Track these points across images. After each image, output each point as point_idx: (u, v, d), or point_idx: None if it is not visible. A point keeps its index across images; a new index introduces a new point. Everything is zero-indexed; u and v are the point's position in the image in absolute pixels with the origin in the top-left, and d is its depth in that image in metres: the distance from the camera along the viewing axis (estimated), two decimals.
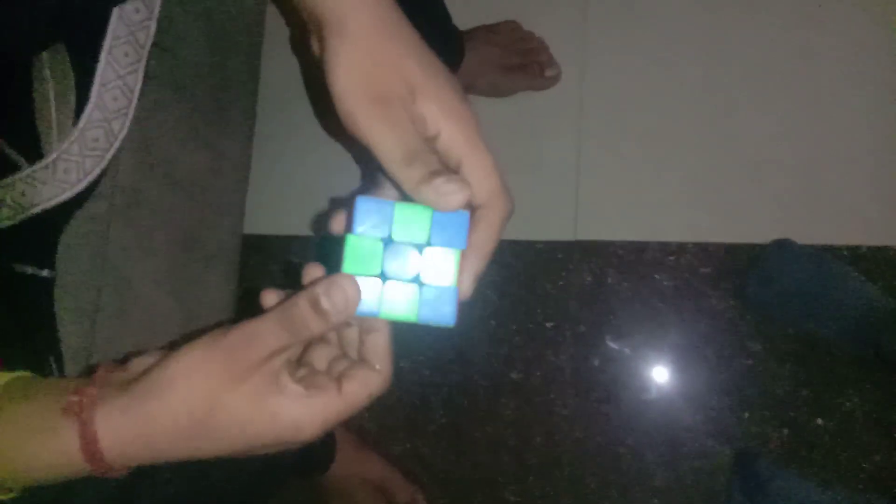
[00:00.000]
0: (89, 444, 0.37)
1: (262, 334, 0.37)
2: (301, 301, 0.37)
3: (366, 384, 0.40)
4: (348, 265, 0.38)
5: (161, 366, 0.38)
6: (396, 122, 0.38)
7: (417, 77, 0.39)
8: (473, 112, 0.40)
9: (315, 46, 0.42)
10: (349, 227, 0.38)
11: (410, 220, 0.38)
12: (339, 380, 0.40)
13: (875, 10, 1.01)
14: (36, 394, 0.40)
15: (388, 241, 0.38)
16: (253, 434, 0.38)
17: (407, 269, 0.38)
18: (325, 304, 0.37)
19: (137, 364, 0.40)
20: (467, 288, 0.40)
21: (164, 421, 0.37)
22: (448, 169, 0.39)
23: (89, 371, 0.41)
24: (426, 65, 0.40)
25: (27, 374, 0.43)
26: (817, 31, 1.02)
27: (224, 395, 0.37)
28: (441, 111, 0.39)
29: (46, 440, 0.38)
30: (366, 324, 0.42)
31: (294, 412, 0.38)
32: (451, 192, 0.37)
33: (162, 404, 0.37)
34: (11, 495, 0.41)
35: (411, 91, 0.39)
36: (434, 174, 0.37)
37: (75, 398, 0.38)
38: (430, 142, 0.39)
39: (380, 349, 0.42)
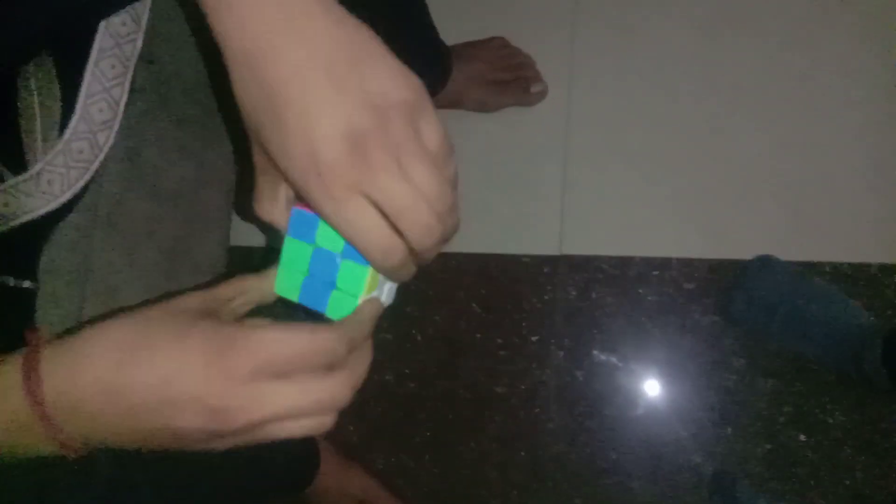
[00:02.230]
0: (33, 389, 0.36)
1: (210, 289, 0.40)
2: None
3: (314, 328, 0.37)
4: (283, 261, 0.42)
5: (103, 329, 0.38)
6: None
7: None
8: None
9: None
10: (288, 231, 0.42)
11: (331, 233, 0.40)
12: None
13: (863, 30, 1.02)
14: None
15: (317, 249, 0.41)
16: (163, 356, 0.36)
17: (328, 273, 0.41)
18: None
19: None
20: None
21: (89, 364, 0.37)
22: None
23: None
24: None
25: None
26: (804, 51, 1.04)
27: (147, 334, 0.37)
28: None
29: None
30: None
31: (213, 328, 0.37)
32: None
33: (97, 334, 0.38)
34: None
35: None
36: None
37: (24, 349, 0.38)
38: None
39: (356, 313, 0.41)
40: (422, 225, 0.36)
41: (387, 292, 0.43)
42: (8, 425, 0.37)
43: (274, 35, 0.35)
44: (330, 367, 0.37)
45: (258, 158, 0.40)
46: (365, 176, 0.35)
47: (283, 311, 0.44)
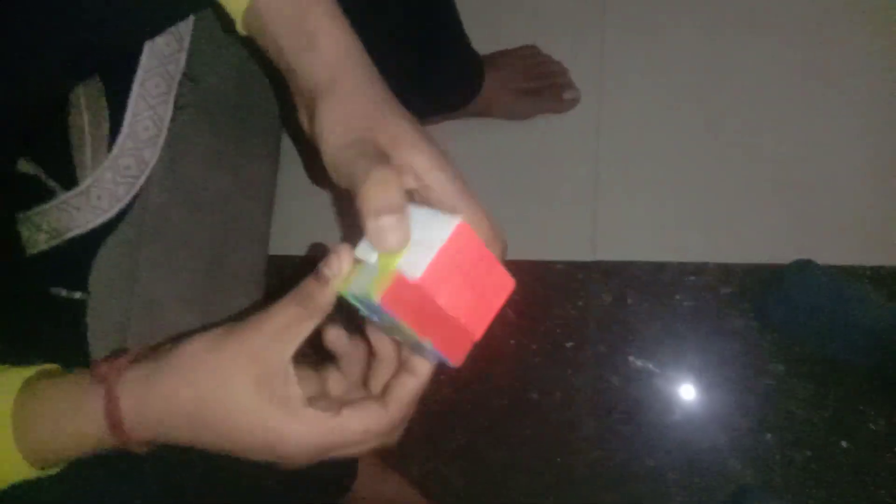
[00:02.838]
0: (112, 406, 0.39)
1: (272, 311, 0.40)
2: (308, 277, 0.40)
3: (365, 415, 0.41)
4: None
5: (176, 352, 0.40)
6: (369, 156, 0.39)
7: (407, 130, 0.41)
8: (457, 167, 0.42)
9: (304, 117, 0.45)
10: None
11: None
12: (341, 405, 0.41)
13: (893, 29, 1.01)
14: (67, 374, 0.43)
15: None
16: (235, 429, 0.39)
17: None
18: (324, 270, 0.39)
19: (167, 345, 0.42)
20: None
21: (168, 401, 0.40)
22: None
23: (120, 352, 0.43)
24: (412, 121, 0.42)
25: (56, 366, 0.46)
26: (836, 52, 1.02)
27: (223, 385, 0.39)
28: (431, 163, 0.40)
29: (75, 405, 0.41)
30: (407, 364, 0.43)
31: (279, 420, 0.39)
32: (387, 229, 0.37)
33: (168, 386, 0.40)
34: (54, 470, 0.44)
35: (396, 141, 0.41)
36: (385, 210, 0.37)
37: (105, 366, 0.41)
38: (420, 192, 0.41)
39: (403, 390, 0.42)
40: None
41: None
42: (85, 440, 0.41)
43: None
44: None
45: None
46: None
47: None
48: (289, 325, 0.40)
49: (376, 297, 0.37)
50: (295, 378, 0.40)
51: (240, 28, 0.45)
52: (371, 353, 0.45)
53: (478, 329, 0.39)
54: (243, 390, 0.39)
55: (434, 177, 0.40)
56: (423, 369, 0.42)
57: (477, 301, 0.38)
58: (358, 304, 0.40)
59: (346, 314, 0.44)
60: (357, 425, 0.40)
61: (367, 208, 0.37)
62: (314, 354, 0.44)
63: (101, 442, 0.41)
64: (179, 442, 0.41)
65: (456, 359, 0.40)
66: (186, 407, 0.39)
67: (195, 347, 0.40)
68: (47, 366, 0.45)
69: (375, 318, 0.41)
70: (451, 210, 0.40)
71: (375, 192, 0.37)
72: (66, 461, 0.43)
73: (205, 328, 0.41)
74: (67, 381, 0.42)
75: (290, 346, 0.40)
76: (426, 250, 0.36)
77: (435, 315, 0.37)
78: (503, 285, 0.40)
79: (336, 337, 0.44)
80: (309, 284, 0.39)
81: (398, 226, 0.37)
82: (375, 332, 0.44)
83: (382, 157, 0.39)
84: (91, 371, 0.41)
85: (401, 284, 0.36)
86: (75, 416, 0.40)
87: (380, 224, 0.36)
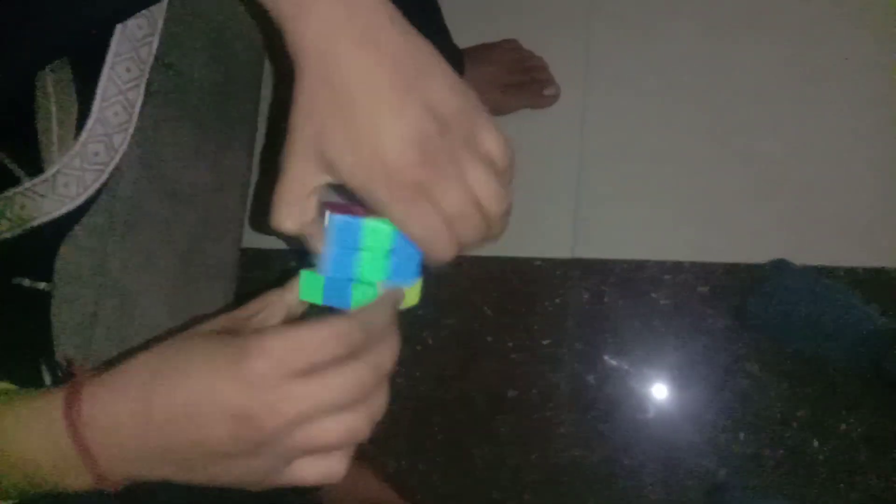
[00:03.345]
0: (73, 420, 0.37)
1: (238, 310, 0.41)
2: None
3: (333, 321, 0.37)
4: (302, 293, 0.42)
5: (141, 352, 0.39)
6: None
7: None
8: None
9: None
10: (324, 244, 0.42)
11: (373, 249, 0.41)
12: None
13: (878, 34, 1.02)
14: (27, 394, 0.41)
15: (329, 279, 0.41)
16: (190, 391, 0.36)
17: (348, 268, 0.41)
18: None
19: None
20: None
21: (129, 376, 0.38)
22: None
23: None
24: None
25: (9, 385, 0.44)
26: (819, 54, 1.03)
27: (171, 367, 0.37)
28: None
29: (35, 423, 0.38)
30: None
31: (248, 338, 0.36)
32: None
33: (130, 363, 0.38)
34: (10, 502, 0.41)
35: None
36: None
37: (64, 386, 0.39)
38: None
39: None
40: (473, 227, 0.39)
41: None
42: (47, 456, 0.38)
43: (346, 41, 0.38)
44: (351, 355, 0.37)
45: (297, 164, 0.40)
46: (429, 179, 0.37)
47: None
48: (250, 311, 0.41)
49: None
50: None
51: None
52: None
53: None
54: (207, 334, 0.39)
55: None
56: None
57: None
58: (312, 291, 0.42)
59: None
60: (321, 326, 0.36)
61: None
62: None
63: (63, 456, 0.38)
64: (153, 460, 0.38)
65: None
66: (136, 399, 0.37)
67: (148, 359, 0.38)
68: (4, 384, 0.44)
69: (330, 285, 0.41)
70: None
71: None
72: (25, 490, 0.41)
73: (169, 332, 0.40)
74: (29, 400, 0.40)
75: (251, 322, 0.40)
76: None
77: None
78: None
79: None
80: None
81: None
82: None
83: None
84: (49, 392, 0.39)
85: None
86: (35, 425, 0.38)
87: None
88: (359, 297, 0.41)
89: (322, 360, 0.36)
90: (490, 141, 0.40)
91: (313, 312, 0.43)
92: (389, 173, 0.37)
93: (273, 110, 1.12)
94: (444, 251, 0.39)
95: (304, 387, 0.35)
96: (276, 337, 0.36)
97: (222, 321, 0.41)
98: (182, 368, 0.37)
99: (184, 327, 0.41)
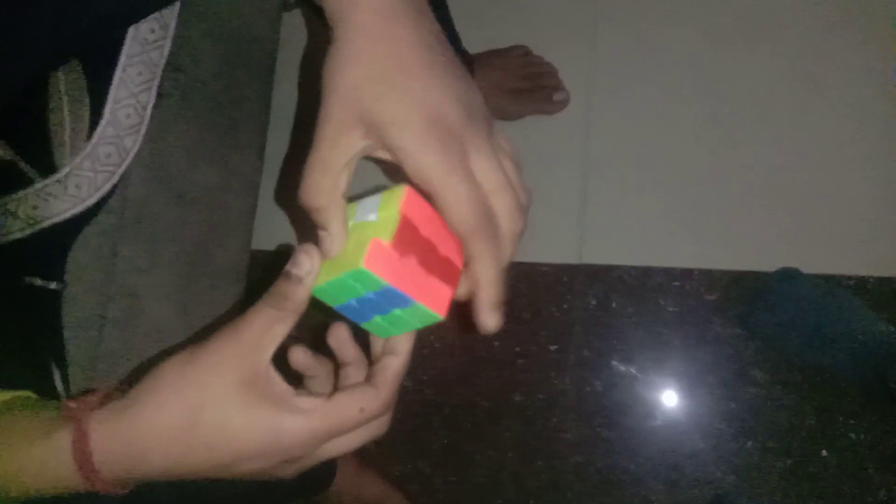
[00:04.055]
0: (80, 445, 0.38)
1: (248, 317, 0.40)
2: (279, 279, 0.40)
3: (358, 394, 0.40)
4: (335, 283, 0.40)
5: (152, 374, 0.39)
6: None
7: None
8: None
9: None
10: None
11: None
12: (331, 392, 0.41)
13: (882, 43, 1.01)
14: (36, 406, 0.41)
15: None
16: (232, 436, 0.38)
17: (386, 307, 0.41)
18: (294, 271, 0.39)
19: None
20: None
21: (152, 424, 0.38)
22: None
23: (91, 391, 0.42)
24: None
25: (30, 393, 0.44)
26: (826, 62, 1.03)
27: (210, 394, 0.38)
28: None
29: (40, 440, 0.39)
30: (388, 345, 0.43)
31: (274, 415, 0.38)
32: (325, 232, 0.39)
33: (151, 407, 0.38)
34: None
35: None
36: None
37: (73, 404, 0.39)
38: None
39: (388, 370, 0.42)
40: (514, 205, 0.40)
41: None
42: (57, 487, 0.40)
43: (401, 10, 0.38)
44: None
45: (333, 133, 0.38)
46: (473, 143, 0.38)
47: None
48: (265, 329, 0.39)
49: (362, 263, 0.37)
50: (279, 377, 0.40)
51: None
52: (337, 367, 0.45)
53: (453, 281, 0.41)
54: (232, 395, 0.38)
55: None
56: (402, 347, 0.43)
57: (444, 257, 0.41)
58: (330, 297, 0.41)
59: (312, 334, 0.45)
60: (351, 404, 0.40)
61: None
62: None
63: (68, 480, 0.39)
64: (165, 473, 0.39)
65: (441, 309, 0.41)
66: (175, 426, 0.38)
67: (171, 365, 0.39)
68: (20, 393, 0.44)
69: (353, 304, 0.40)
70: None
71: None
72: (29, 498, 0.42)
73: (179, 347, 0.40)
74: (38, 414, 0.41)
75: (269, 349, 0.40)
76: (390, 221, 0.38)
77: (414, 270, 0.39)
78: (460, 248, 0.41)
79: (301, 356, 0.43)
80: (281, 286, 0.39)
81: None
82: (339, 341, 0.44)
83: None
84: (61, 408, 0.40)
85: (378, 247, 0.38)
86: (42, 451, 0.39)
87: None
88: (376, 325, 0.42)
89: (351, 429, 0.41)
90: (504, 140, 0.42)
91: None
92: (439, 126, 0.36)
93: (283, 112, 1.13)
94: (479, 217, 0.38)
95: (331, 447, 0.41)
96: (315, 429, 0.39)
97: (236, 363, 0.39)
98: (216, 439, 0.38)
99: (196, 336, 0.41)
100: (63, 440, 0.38)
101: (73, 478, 0.39)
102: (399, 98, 0.37)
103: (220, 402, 0.38)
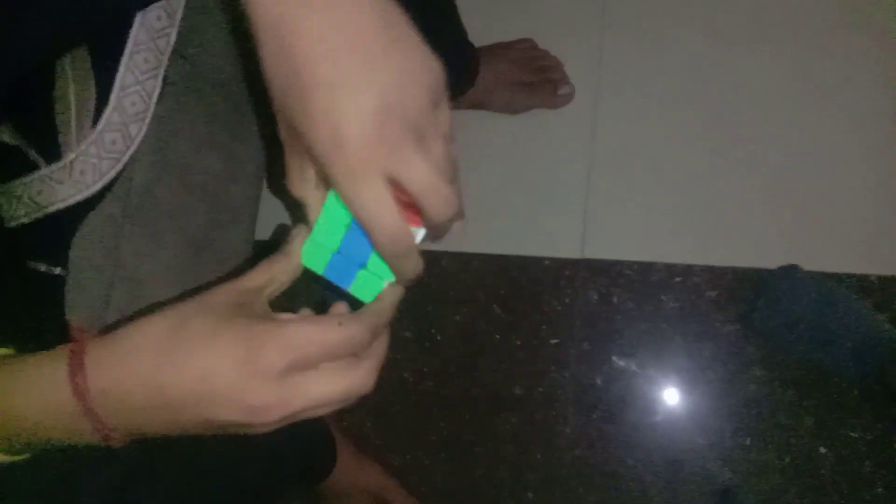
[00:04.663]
0: (79, 387, 0.38)
1: (240, 278, 0.42)
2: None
3: (337, 315, 0.40)
4: (314, 235, 0.43)
5: (149, 319, 0.40)
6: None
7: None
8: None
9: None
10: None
11: (360, 232, 0.41)
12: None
13: (884, 43, 1.01)
14: (29, 356, 0.42)
15: (350, 228, 0.42)
16: (212, 340, 0.38)
17: (359, 253, 0.42)
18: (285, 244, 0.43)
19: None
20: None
21: (137, 346, 0.38)
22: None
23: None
24: None
25: (11, 350, 0.45)
26: (829, 61, 1.02)
27: (198, 306, 0.39)
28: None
29: (40, 379, 0.39)
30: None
31: (254, 322, 0.38)
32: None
33: (137, 332, 0.39)
34: (21, 457, 0.42)
35: None
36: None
37: (66, 350, 0.40)
38: None
39: (370, 307, 0.42)
40: (443, 199, 0.38)
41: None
42: (55, 418, 0.39)
43: (306, 7, 0.35)
44: (356, 354, 0.40)
45: (285, 136, 0.40)
46: (390, 154, 0.35)
47: (304, 284, 0.45)
48: (261, 274, 0.42)
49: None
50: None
51: None
52: None
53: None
54: (219, 309, 0.39)
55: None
56: (387, 296, 0.43)
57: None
58: (317, 259, 0.43)
59: None
60: (330, 319, 0.39)
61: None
62: None
63: (70, 418, 0.39)
64: (160, 426, 0.39)
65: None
66: (162, 333, 0.39)
67: (156, 327, 0.40)
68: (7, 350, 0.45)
69: (337, 262, 0.43)
70: None
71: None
72: (35, 446, 0.42)
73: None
74: (36, 356, 0.41)
75: (263, 290, 0.42)
76: None
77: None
78: None
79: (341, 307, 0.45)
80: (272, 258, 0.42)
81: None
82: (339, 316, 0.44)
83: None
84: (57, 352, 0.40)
85: None
86: (41, 388, 0.39)
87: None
88: (361, 284, 0.42)
89: (329, 356, 0.39)
90: (445, 116, 0.39)
91: (307, 279, 0.45)
92: (346, 148, 0.35)
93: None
94: (395, 240, 0.38)
95: (313, 383, 0.38)
96: (295, 332, 0.38)
97: (229, 294, 0.41)
98: (193, 349, 0.38)
99: (195, 291, 0.41)
100: (61, 370, 0.39)
101: (73, 412, 0.39)
102: (303, 114, 0.36)
103: (207, 313, 0.39)
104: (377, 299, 0.42)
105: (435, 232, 0.41)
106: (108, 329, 0.40)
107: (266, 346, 0.37)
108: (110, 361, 0.38)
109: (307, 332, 0.38)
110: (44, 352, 0.41)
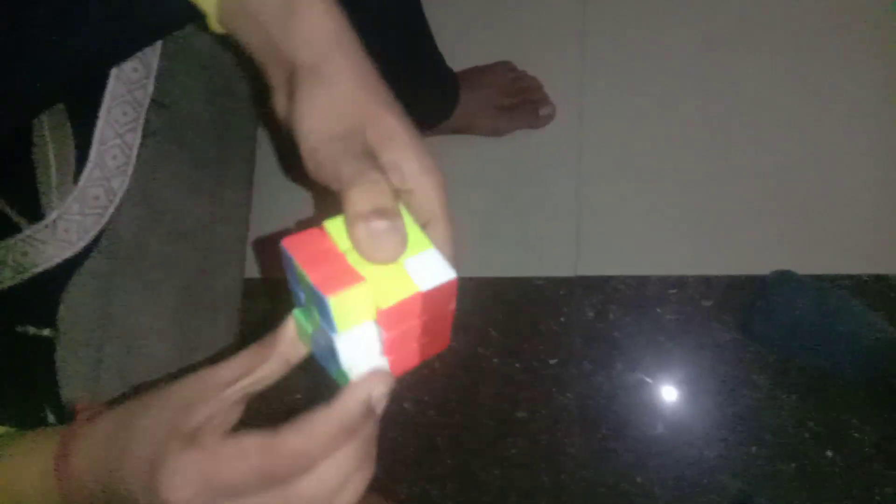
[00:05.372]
0: (61, 461, 0.37)
1: (216, 368, 0.35)
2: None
3: (312, 417, 0.32)
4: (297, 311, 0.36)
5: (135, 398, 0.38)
6: (358, 155, 0.35)
7: (400, 127, 0.37)
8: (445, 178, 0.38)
9: (281, 101, 0.40)
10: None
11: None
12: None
13: (878, 45, 1.02)
14: (25, 435, 0.41)
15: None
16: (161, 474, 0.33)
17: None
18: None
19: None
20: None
21: (99, 442, 0.37)
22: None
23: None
24: (403, 116, 0.38)
25: (12, 429, 0.44)
26: (816, 65, 1.03)
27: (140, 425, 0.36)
28: (422, 169, 0.37)
29: (29, 462, 0.39)
30: None
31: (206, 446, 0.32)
32: (382, 234, 0.32)
33: (101, 427, 0.37)
34: None
35: (388, 137, 0.37)
36: (377, 213, 0.33)
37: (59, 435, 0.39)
38: (400, 194, 0.37)
39: (343, 394, 0.34)
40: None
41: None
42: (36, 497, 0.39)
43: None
44: (307, 469, 0.33)
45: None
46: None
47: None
48: (230, 376, 0.35)
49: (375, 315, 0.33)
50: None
51: (214, 21, 0.41)
52: None
53: (410, 364, 0.37)
54: (153, 416, 0.35)
55: (422, 182, 0.37)
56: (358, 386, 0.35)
57: (428, 341, 0.37)
58: (304, 333, 0.36)
59: None
60: (251, 450, 0.31)
61: (356, 211, 0.32)
62: None
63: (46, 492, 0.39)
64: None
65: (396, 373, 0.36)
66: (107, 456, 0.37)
67: (120, 409, 0.38)
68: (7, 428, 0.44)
69: (318, 340, 0.35)
70: (428, 217, 0.37)
71: (367, 196, 0.33)
72: None
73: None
74: (27, 440, 0.41)
75: (237, 392, 0.35)
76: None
77: (402, 339, 0.35)
78: (444, 342, 0.39)
79: None
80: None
81: (394, 231, 0.32)
82: None
83: (370, 156, 0.35)
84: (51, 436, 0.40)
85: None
86: (27, 470, 0.39)
87: (372, 228, 0.32)
88: (341, 375, 0.35)
89: (263, 483, 0.32)
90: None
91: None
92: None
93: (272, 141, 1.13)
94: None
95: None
96: (190, 467, 0.32)
97: (198, 384, 0.36)
98: (133, 440, 0.35)
99: (192, 368, 0.41)
100: (48, 454, 0.38)
101: (52, 488, 0.38)
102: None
103: (150, 416, 0.35)
104: (341, 396, 0.34)
105: None
106: (113, 402, 0.40)
107: (169, 476, 0.32)
108: (85, 442, 0.38)
109: (218, 460, 0.32)
110: (36, 435, 0.40)
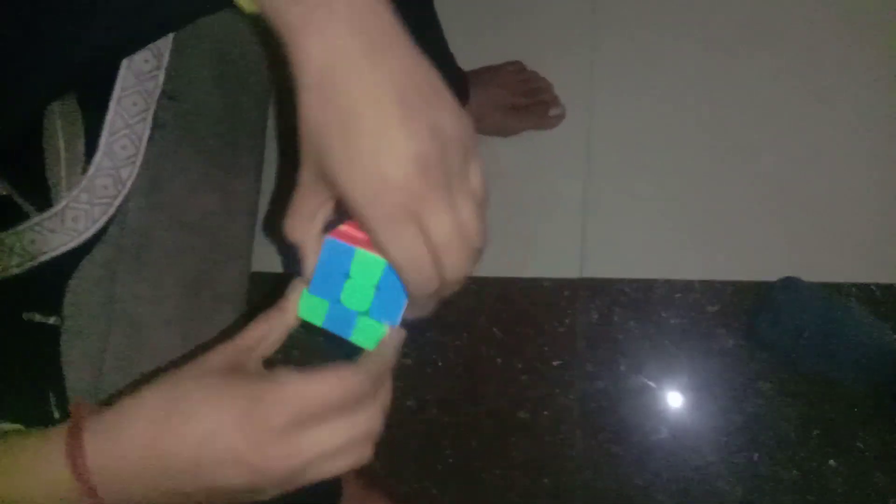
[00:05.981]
0: (77, 465, 0.37)
1: (234, 338, 0.41)
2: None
3: (338, 370, 0.39)
4: (312, 287, 0.43)
5: (146, 389, 0.39)
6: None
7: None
8: None
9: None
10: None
11: (368, 263, 0.41)
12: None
13: (884, 50, 1.01)
14: (30, 434, 0.41)
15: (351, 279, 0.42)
16: (210, 407, 0.37)
17: (360, 301, 0.42)
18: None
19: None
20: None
21: (133, 417, 0.38)
22: None
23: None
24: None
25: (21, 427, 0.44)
26: (826, 71, 1.03)
27: (191, 374, 0.39)
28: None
29: (37, 466, 0.39)
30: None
31: (251, 383, 0.38)
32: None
33: (133, 403, 0.38)
34: None
35: None
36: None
37: (65, 428, 0.39)
38: None
39: (368, 357, 0.41)
40: (460, 259, 0.39)
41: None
42: (49, 496, 0.38)
43: (354, 59, 0.36)
44: (359, 402, 0.39)
45: (309, 179, 0.40)
46: (425, 203, 0.37)
47: (303, 336, 0.45)
48: (255, 332, 0.42)
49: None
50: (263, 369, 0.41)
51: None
52: None
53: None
54: (213, 374, 0.39)
55: None
56: (385, 345, 0.42)
57: None
58: (315, 311, 0.43)
59: None
60: (331, 379, 0.38)
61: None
62: None
63: (69, 497, 0.38)
64: (161, 496, 0.38)
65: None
66: (158, 403, 0.38)
67: (152, 398, 0.39)
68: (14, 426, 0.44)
69: (336, 311, 0.42)
70: None
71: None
72: None
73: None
74: (35, 436, 0.40)
75: (255, 349, 0.42)
76: None
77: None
78: None
79: None
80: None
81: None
82: None
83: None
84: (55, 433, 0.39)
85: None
86: (40, 469, 0.38)
87: None
88: (362, 331, 0.42)
89: (331, 409, 0.38)
90: (477, 175, 0.40)
91: (304, 331, 0.44)
92: (385, 192, 0.36)
93: (282, 133, 1.13)
94: (424, 281, 0.39)
95: (314, 437, 0.37)
96: (293, 388, 0.37)
97: (227, 354, 0.41)
98: (192, 413, 0.37)
99: (191, 355, 0.41)
100: (59, 443, 0.38)
101: (70, 487, 0.38)
102: (344, 157, 0.37)
103: (201, 377, 0.39)
104: (380, 346, 0.41)
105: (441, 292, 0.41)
106: (106, 403, 0.40)
107: (263, 402, 0.37)
108: (108, 436, 0.38)
109: (304, 387, 0.37)
110: (43, 431, 0.40)
